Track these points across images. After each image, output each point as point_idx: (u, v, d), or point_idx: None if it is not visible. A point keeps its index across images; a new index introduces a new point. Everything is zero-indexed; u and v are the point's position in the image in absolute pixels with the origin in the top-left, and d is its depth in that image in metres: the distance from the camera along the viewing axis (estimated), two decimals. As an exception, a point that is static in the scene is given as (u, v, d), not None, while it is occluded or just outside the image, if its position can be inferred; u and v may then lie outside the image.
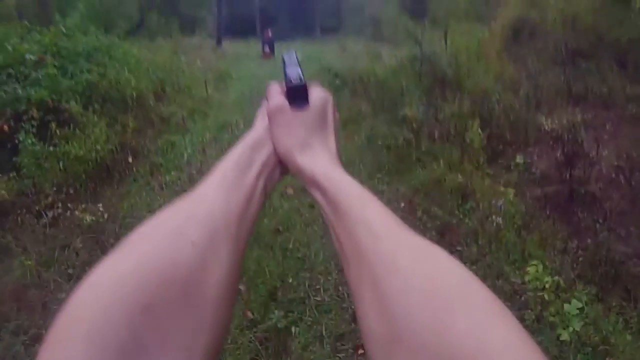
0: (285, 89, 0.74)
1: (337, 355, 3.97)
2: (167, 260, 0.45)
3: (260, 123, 0.74)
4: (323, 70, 14.53)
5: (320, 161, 0.67)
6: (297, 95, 0.72)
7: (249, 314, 4.30)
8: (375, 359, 0.44)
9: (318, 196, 0.64)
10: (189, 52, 17.34)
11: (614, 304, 4.58)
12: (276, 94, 0.74)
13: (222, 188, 0.59)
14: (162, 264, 0.45)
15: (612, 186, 6.51)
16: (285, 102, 0.72)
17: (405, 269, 0.45)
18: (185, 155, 8.08)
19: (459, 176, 6.62)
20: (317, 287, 4.68)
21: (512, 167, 7.08)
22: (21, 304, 4.50)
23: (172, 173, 7.38)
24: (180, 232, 0.49)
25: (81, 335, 0.38)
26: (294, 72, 0.75)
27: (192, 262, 0.47)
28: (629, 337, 4.04)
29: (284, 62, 0.79)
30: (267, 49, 22.39)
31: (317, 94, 0.76)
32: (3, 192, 5.88)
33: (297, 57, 0.80)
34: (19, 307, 4.45)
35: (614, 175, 6.65)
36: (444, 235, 5.53)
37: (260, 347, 3.99)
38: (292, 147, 0.68)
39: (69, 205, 6.02)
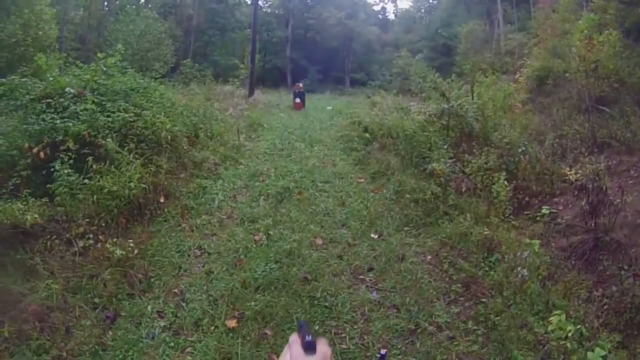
0: (301, 341, 1.12)
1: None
2: None
3: None
4: (353, 124, 14.82)
5: None
6: (309, 347, 1.10)
7: (275, 357, 4.47)
8: None
9: None
10: (222, 99, 17.69)
11: (638, 350, 4.65)
12: (296, 345, 1.11)
13: None
14: None
15: (638, 232, 6.57)
16: (302, 352, 1.08)
17: None
18: (217, 200, 8.34)
19: (485, 229, 6.75)
20: (343, 335, 4.84)
21: (537, 218, 7.20)
22: (44, 325, 4.68)
23: (203, 216, 7.64)
24: None
25: None
26: (308, 335, 1.12)
27: None
28: (653, 384, 4.12)
29: (300, 326, 1.23)
30: (298, 100, 22.71)
31: (322, 347, 1.11)
32: (35, 215, 6.04)
33: (307, 325, 1.33)
34: (42, 327, 4.63)
35: (639, 220, 6.73)
36: (469, 288, 5.67)
37: (285, 392, 4.16)
38: None
39: (99, 237, 6.17)
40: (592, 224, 6.64)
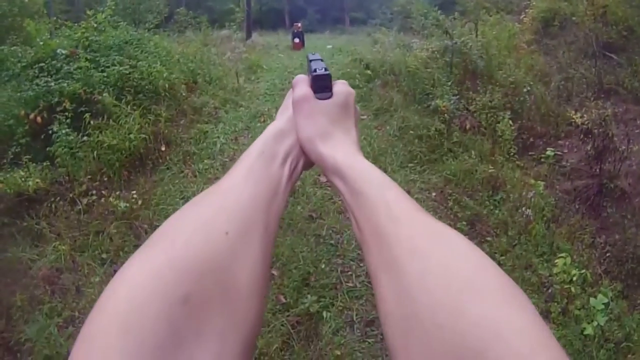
0: (310, 77, 0.76)
1: (367, 340, 4.07)
2: (201, 252, 0.47)
3: (283, 114, 0.76)
4: (354, 62, 14.55)
5: (341, 149, 0.68)
6: (321, 84, 0.74)
7: (282, 298, 4.43)
8: (391, 338, 0.45)
9: (339, 183, 0.65)
10: (219, 44, 17.28)
11: (638, 301, 4.60)
12: (302, 84, 0.75)
13: (249, 179, 0.61)
14: (196, 255, 0.46)
15: (642, 182, 6.49)
16: (310, 92, 0.73)
17: (424, 252, 0.46)
18: (218, 144, 8.16)
19: (490, 167, 6.67)
20: (349, 273, 4.77)
21: (542, 160, 7.08)
22: (55, 287, 4.69)
23: (205, 161, 7.49)
24: (212, 224, 0.51)
25: (116, 329, 0.39)
26: (319, 65, 0.76)
27: (225, 253, 0.48)
28: (651, 336, 4.06)
29: (308, 60, 0.82)
30: (297, 40, 22.23)
31: (341, 87, 0.76)
32: (37, 180, 6.07)
33: (319, 58, 0.83)
34: (52, 290, 4.64)
35: (643, 171, 6.63)
36: (474, 226, 5.61)
37: (292, 331, 4.11)
38: (314, 135, 0.70)
39: (103, 192, 6.18)
40: (597, 170, 6.53)
